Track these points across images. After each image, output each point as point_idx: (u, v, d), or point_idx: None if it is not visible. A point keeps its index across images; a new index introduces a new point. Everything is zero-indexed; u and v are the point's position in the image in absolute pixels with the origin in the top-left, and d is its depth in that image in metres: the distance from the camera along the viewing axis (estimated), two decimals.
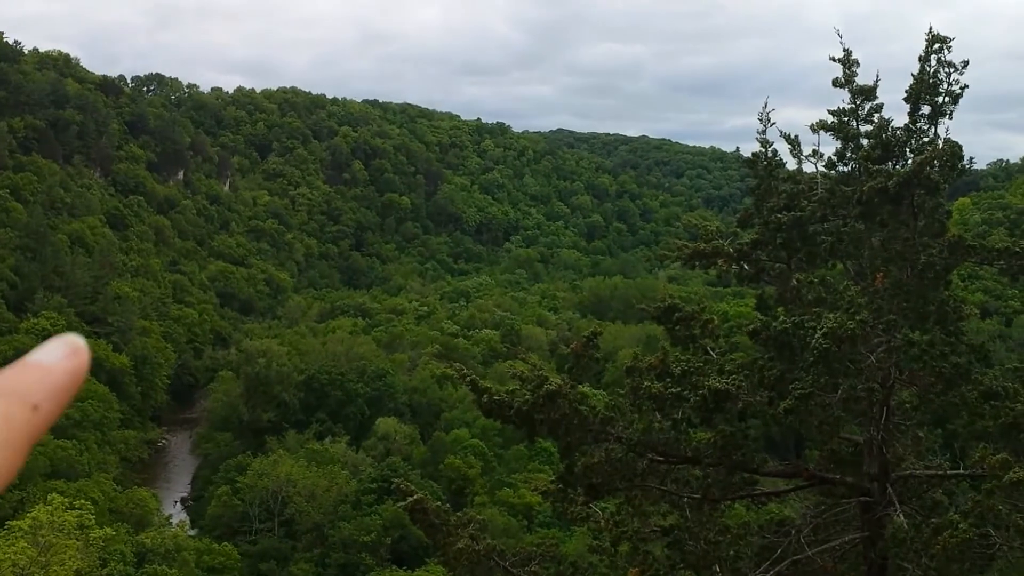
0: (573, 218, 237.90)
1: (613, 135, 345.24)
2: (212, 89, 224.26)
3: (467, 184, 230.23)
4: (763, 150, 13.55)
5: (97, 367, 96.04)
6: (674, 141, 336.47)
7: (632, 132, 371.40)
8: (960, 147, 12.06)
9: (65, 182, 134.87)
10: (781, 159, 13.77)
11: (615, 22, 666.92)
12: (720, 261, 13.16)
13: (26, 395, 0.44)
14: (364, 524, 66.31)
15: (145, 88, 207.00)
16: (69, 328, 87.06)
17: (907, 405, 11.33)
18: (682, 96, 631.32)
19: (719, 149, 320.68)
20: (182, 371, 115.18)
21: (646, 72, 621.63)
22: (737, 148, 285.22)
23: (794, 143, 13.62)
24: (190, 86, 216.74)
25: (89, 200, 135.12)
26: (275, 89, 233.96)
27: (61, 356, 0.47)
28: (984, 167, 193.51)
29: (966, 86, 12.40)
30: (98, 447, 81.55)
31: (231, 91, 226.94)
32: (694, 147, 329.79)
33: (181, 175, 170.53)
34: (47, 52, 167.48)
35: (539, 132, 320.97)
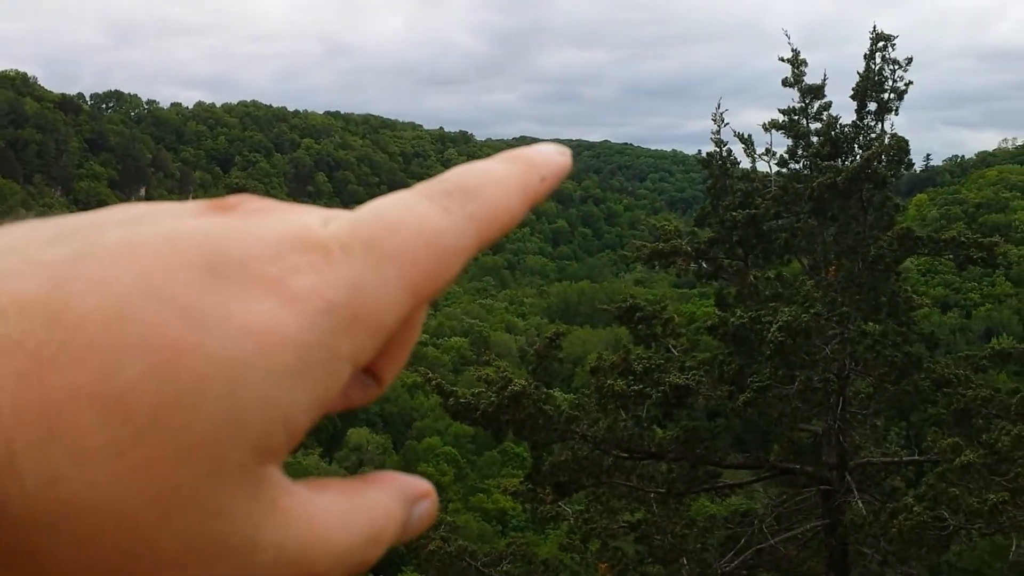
0: (538, 224, 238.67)
1: (576, 140, 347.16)
2: (172, 104, 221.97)
3: None
4: (717, 150, 13.83)
5: None
6: (636, 145, 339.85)
7: (595, 137, 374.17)
8: (906, 142, 12.43)
9: (26, 202, 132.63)
10: (735, 159, 14.07)
11: (575, 30, 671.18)
12: (679, 260, 13.41)
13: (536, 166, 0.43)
14: None
15: (104, 105, 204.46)
16: None
17: (862, 395, 11.63)
18: (643, 100, 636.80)
19: (681, 152, 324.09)
20: None
21: (607, 77, 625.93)
22: (699, 151, 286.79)
23: (747, 143, 13.92)
24: (150, 102, 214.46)
25: None
26: (236, 103, 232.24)
27: (556, 152, 0.45)
28: (940, 163, 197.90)
29: (910, 83, 12.80)
30: None
31: (191, 106, 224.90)
32: (656, 151, 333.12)
33: (143, 191, 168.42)
34: (4, 72, 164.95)
35: (502, 139, 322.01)
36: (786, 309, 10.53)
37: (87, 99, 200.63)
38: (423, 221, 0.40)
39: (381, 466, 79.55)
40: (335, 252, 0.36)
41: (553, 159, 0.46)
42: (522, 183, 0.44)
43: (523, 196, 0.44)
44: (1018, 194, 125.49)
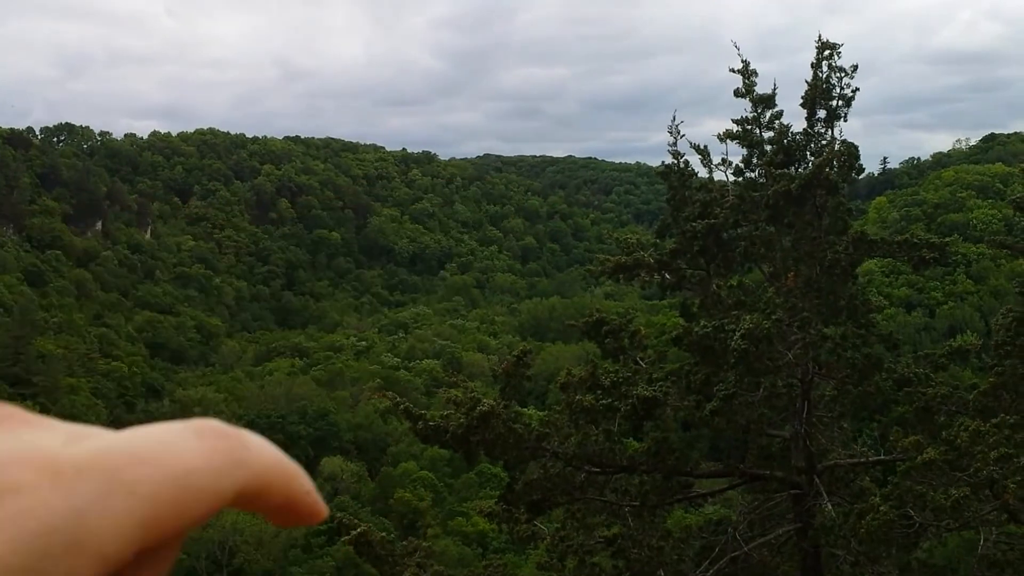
0: (506, 242, 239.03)
1: (540, 157, 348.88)
2: (126, 135, 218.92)
3: (397, 215, 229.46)
4: (675, 162, 13.97)
5: None
6: (600, 159, 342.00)
7: (558, 152, 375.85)
8: (856, 147, 12.69)
9: None
10: (693, 169, 14.24)
11: (534, 48, 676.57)
12: (642, 272, 13.50)
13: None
14: (316, 567, 64.89)
15: (56, 138, 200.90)
16: None
17: (827, 398, 11.77)
18: (605, 115, 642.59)
19: (645, 164, 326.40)
20: (115, 427, 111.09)
21: (568, 93, 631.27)
22: (663, 162, 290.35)
23: (704, 153, 14.08)
24: (102, 133, 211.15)
25: (4, 258, 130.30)
26: (192, 131, 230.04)
27: (305, 484, 0.42)
28: (898, 166, 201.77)
29: (857, 89, 13.07)
30: None
31: (146, 136, 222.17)
32: (620, 164, 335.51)
33: (99, 225, 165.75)
34: None
35: (466, 158, 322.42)
36: (748, 317, 10.65)
37: (37, 133, 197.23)
38: (177, 458, 0.38)
39: (357, 495, 78.84)
40: (66, 474, 0.36)
41: (313, 507, 0.45)
42: (297, 473, 0.44)
43: (294, 481, 0.44)
44: (974, 193, 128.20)
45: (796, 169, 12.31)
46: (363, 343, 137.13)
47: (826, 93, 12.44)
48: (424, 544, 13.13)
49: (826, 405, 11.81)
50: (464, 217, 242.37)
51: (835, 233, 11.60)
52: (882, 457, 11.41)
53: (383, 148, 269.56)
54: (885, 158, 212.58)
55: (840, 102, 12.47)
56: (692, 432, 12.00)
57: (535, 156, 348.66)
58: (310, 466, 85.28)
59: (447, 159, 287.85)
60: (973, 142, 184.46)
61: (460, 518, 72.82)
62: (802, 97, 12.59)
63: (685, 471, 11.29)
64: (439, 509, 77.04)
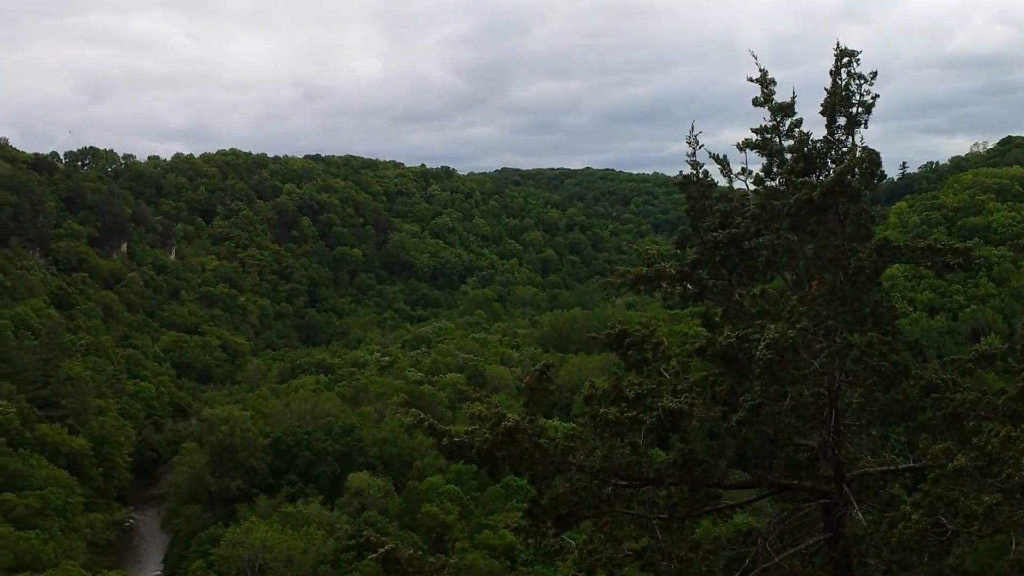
0: (526, 254, 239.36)
1: (558, 169, 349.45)
2: (149, 158, 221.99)
3: (417, 230, 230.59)
4: (694, 172, 13.98)
5: (55, 452, 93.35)
6: (618, 170, 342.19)
7: (576, 165, 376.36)
8: (877, 154, 12.63)
9: (3, 265, 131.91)
10: (712, 179, 14.23)
11: (548, 61, 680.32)
12: (663, 283, 13.49)
13: None
14: None
15: (80, 162, 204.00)
16: (21, 414, 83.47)
17: (854, 406, 11.70)
18: (621, 126, 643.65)
19: (663, 175, 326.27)
20: (144, 447, 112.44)
21: (584, 106, 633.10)
22: (680, 172, 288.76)
23: (723, 163, 14.06)
24: (126, 156, 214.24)
25: (31, 282, 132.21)
26: (215, 152, 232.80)
27: None
28: (916, 170, 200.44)
29: (877, 95, 13.01)
30: (63, 534, 78.96)
31: (169, 158, 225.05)
32: (638, 174, 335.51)
33: (125, 247, 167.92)
34: None
35: (485, 172, 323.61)
36: (773, 326, 10.63)
37: (62, 157, 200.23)
38: None
39: (384, 510, 78.89)
40: None
41: None
42: None
43: None
44: (993, 196, 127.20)
45: (817, 177, 12.27)
46: (386, 358, 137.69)
47: (846, 100, 12.40)
48: (452, 560, 13.15)
49: (853, 413, 11.74)
50: (484, 231, 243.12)
51: (858, 240, 11.56)
52: (911, 464, 11.31)
53: (402, 164, 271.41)
54: (904, 163, 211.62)
55: (860, 109, 12.42)
56: (717, 442, 11.96)
57: (553, 169, 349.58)
58: (337, 481, 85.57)
59: (466, 174, 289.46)
60: (991, 145, 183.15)
61: (487, 531, 72.69)
62: (822, 104, 12.56)
63: (713, 482, 11.26)
64: (466, 523, 76.95)
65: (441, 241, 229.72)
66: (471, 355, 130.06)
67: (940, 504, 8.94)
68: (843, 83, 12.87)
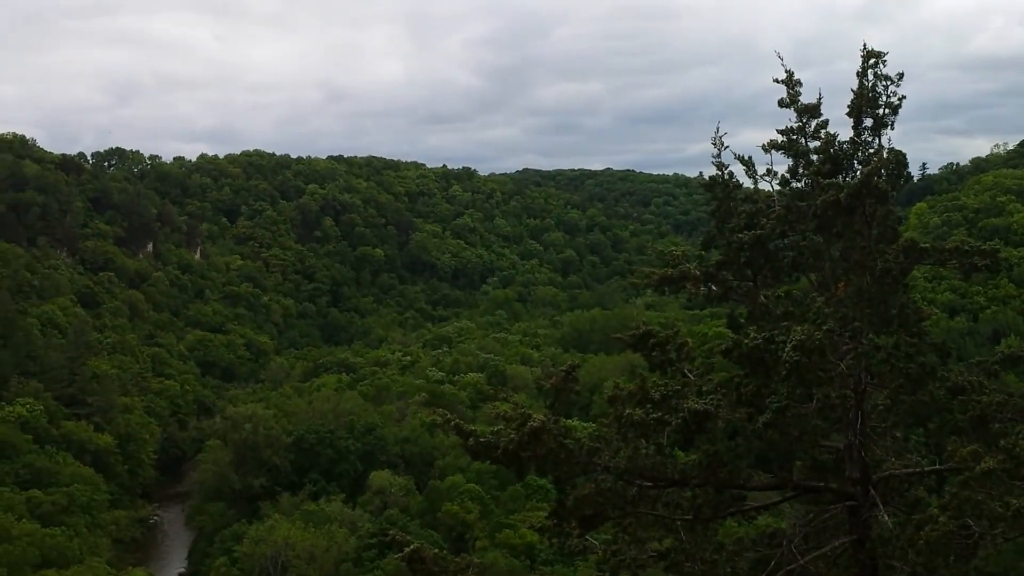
0: (547, 255, 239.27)
1: (578, 170, 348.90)
2: (175, 159, 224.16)
3: (439, 231, 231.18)
4: (719, 173, 13.97)
5: (81, 449, 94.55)
6: (638, 171, 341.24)
7: (596, 166, 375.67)
8: (904, 155, 12.60)
9: (31, 265, 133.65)
10: (738, 180, 14.22)
11: (568, 63, 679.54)
12: (688, 284, 13.52)
13: None
14: None
15: (107, 163, 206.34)
16: (48, 412, 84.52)
17: (880, 408, 11.67)
18: (641, 127, 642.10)
19: (683, 176, 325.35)
20: (168, 444, 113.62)
21: (604, 107, 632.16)
22: (700, 173, 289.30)
23: (748, 164, 14.04)
24: (152, 157, 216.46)
25: (58, 281, 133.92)
26: (239, 153, 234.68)
27: None
28: (937, 172, 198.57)
29: (903, 97, 12.96)
30: (88, 531, 79.90)
31: (194, 159, 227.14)
32: (658, 175, 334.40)
33: (150, 247, 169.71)
34: (1, 136, 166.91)
35: (506, 173, 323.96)
36: (799, 328, 10.63)
37: (88, 158, 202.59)
38: None
39: (405, 508, 79.19)
40: None
41: None
42: None
43: None
44: (1013, 197, 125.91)
45: (844, 178, 12.26)
46: (408, 358, 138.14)
47: (872, 101, 12.38)
48: (477, 560, 13.26)
49: (879, 415, 11.71)
50: (505, 231, 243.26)
51: (885, 242, 11.53)
52: (937, 467, 11.27)
53: (424, 165, 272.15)
54: (924, 164, 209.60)
55: (887, 110, 12.39)
56: (740, 441, 11.95)
57: (574, 170, 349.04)
58: (359, 480, 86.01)
59: (487, 174, 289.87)
60: (1011, 147, 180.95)
61: (507, 530, 72.78)
62: (848, 106, 12.54)
63: (738, 484, 11.28)
64: (486, 522, 77.07)
65: (462, 241, 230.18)
66: (491, 355, 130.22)
67: (967, 506, 8.92)
68: (870, 84, 12.84)
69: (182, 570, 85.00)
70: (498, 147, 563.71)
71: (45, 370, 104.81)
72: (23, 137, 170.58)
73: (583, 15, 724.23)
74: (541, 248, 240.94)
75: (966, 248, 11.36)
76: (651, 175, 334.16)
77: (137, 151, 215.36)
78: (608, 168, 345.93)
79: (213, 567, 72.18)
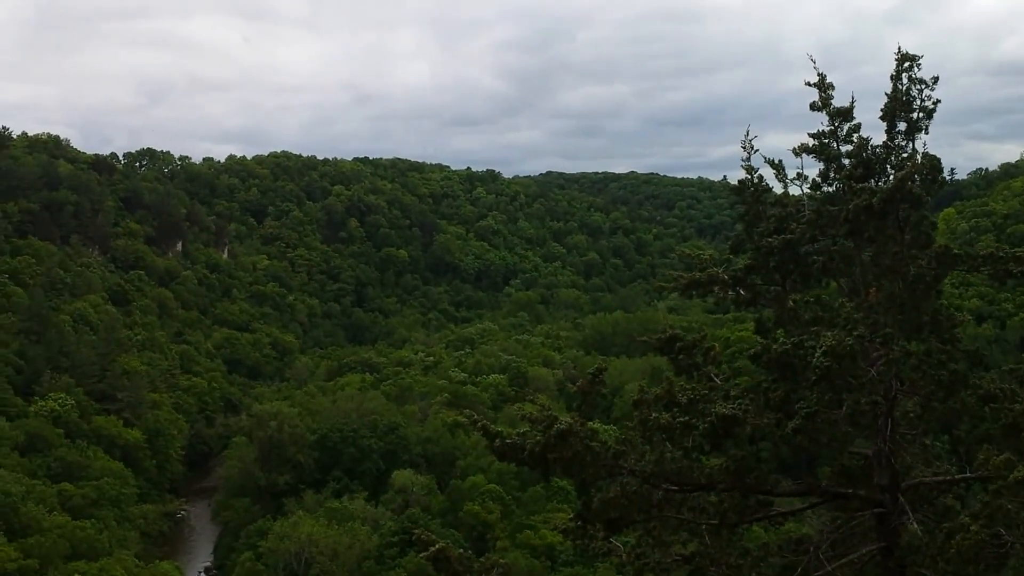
0: (570, 257, 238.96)
1: (602, 173, 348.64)
2: (204, 159, 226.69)
3: (462, 232, 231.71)
4: (749, 177, 13.88)
5: (110, 444, 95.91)
6: (662, 175, 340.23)
7: (620, 169, 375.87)
8: (939, 160, 12.43)
9: (64, 262, 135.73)
10: (767, 184, 14.12)
11: (594, 66, 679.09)
12: (716, 288, 13.44)
13: None
14: None
15: (138, 163, 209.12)
16: (79, 407, 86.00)
17: (911, 415, 11.55)
18: (666, 130, 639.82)
19: (707, 179, 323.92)
20: (195, 440, 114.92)
21: (628, 110, 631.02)
22: (724, 176, 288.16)
23: (778, 168, 13.93)
24: (182, 158, 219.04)
25: (89, 278, 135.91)
26: (267, 154, 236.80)
27: None
28: (965, 177, 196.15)
29: (938, 101, 12.79)
30: (117, 524, 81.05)
31: (223, 160, 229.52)
32: (682, 179, 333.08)
33: (180, 246, 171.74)
34: (36, 136, 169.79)
35: (529, 176, 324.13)
36: (829, 333, 10.54)
37: (120, 158, 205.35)
38: None
39: (427, 508, 79.49)
40: None
41: None
42: None
43: None
44: None
45: (876, 183, 12.14)
46: (431, 358, 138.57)
47: (906, 105, 12.24)
48: (502, 561, 13.29)
49: (910, 422, 11.59)
50: (528, 234, 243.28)
51: (918, 247, 11.40)
52: (968, 475, 11.13)
53: (448, 167, 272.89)
54: (952, 169, 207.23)
55: (921, 114, 12.25)
56: (767, 446, 11.87)
57: (597, 173, 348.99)
58: (382, 478, 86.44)
59: (511, 177, 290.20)
60: None
61: (528, 531, 72.80)
62: (882, 110, 12.41)
63: (765, 489, 11.21)
64: (507, 522, 77.17)
65: (486, 243, 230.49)
66: (514, 356, 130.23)
67: (999, 515, 8.81)
68: (904, 88, 12.70)
69: (208, 564, 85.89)
70: (522, 150, 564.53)
71: (76, 366, 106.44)
72: (57, 138, 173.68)
73: (609, 18, 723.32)
74: (564, 251, 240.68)
75: (1000, 255, 11.21)
76: (675, 178, 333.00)
77: (167, 152, 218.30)
78: (632, 171, 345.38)
79: (238, 562, 72.93)
